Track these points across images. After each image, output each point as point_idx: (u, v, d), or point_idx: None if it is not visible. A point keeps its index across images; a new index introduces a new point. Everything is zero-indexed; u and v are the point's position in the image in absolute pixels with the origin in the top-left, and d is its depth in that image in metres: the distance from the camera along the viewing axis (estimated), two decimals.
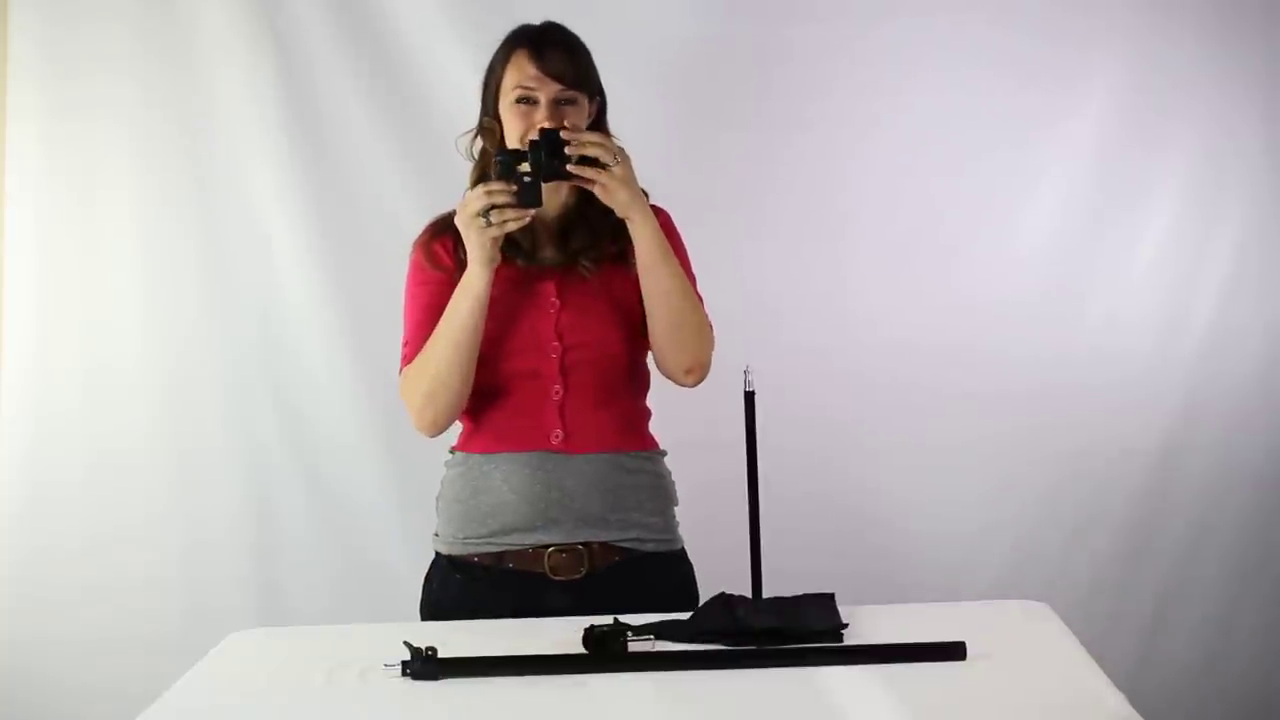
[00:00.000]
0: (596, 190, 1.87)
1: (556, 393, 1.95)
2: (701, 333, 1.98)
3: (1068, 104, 2.74)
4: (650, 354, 2.02)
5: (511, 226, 1.85)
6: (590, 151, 1.86)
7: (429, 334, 1.94)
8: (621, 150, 1.89)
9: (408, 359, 1.98)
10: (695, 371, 2.00)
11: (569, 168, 1.85)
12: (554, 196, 1.98)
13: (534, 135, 1.87)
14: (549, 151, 1.85)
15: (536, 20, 2.01)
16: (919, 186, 2.76)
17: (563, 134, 1.85)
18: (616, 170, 1.87)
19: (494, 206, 1.84)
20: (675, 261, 1.94)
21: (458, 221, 1.88)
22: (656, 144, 2.60)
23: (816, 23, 2.72)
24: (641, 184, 2.02)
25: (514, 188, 1.84)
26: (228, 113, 2.70)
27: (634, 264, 1.96)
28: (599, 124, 2.01)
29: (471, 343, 1.90)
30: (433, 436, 1.99)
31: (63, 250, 2.73)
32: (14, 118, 2.70)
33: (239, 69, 2.69)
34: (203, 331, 2.73)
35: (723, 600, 1.78)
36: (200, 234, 2.73)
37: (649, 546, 1.98)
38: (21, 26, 2.68)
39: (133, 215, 2.73)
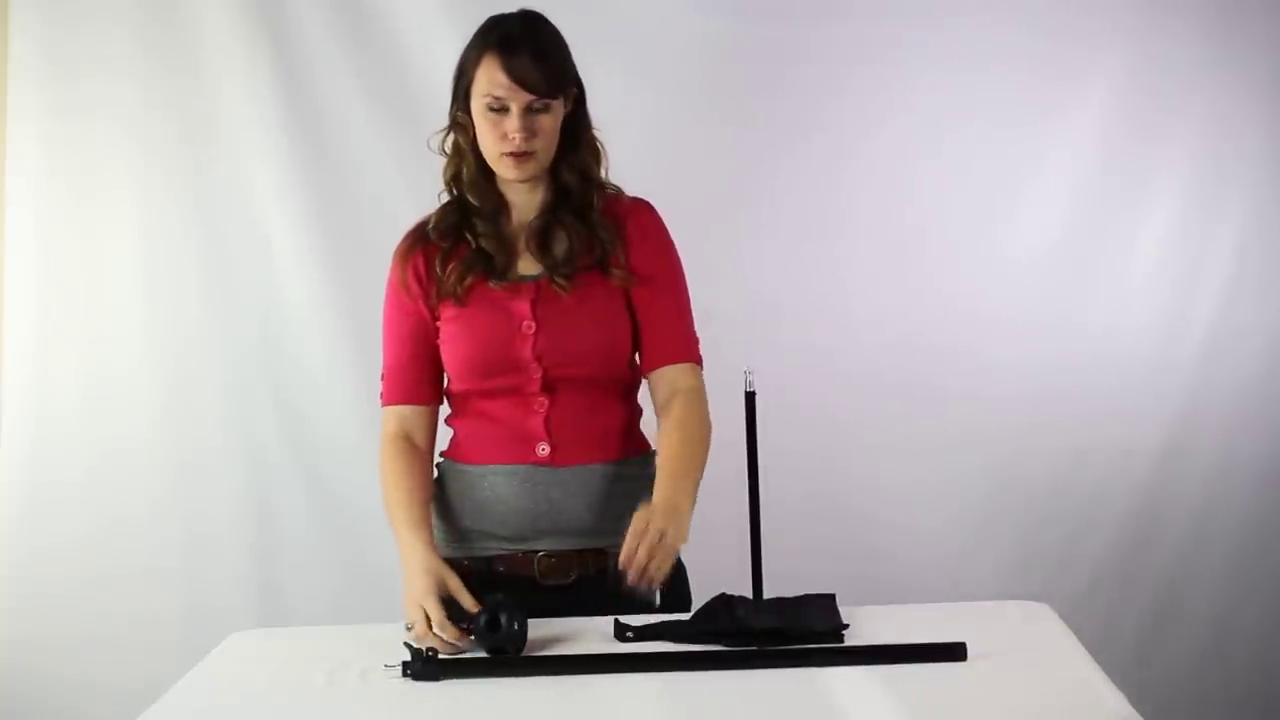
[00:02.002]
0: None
1: (541, 405, 1.92)
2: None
3: (1071, 104, 2.74)
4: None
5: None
6: (654, 564, 1.76)
7: (405, 372, 1.95)
8: (663, 523, 1.78)
9: (387, 395, 1.98)
10: None
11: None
12: (530, 199, 1.95)
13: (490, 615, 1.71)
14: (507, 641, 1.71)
15: (515, 9, 1.94)
16: (919, 187, 2.76)
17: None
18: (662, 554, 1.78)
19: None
20: (694, 474, 1.88)
21: (406, 599, 1.78)
22: (658, 142, 2.63)
23: (818, 23, 2.72)
24: (637, 183, 2.01)
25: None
26: (228, 113, 2.70)
27: (613, 273, 1.93)
28: (576, 115, 1.95)
29: None
30: None
31: (63, 250, 2.73)
32: (14, 118, 2.71)
33: (239, 69, 2.69)
34: (203, 332, 2.74)
35: (723, 600, 1.77)
36: (201, 234, 2.73)
37: None
38: (22, 27, 2.69)
39: (133, 216, 2.73)
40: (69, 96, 2.70)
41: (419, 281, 1.95)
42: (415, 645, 1.68)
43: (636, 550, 1.75)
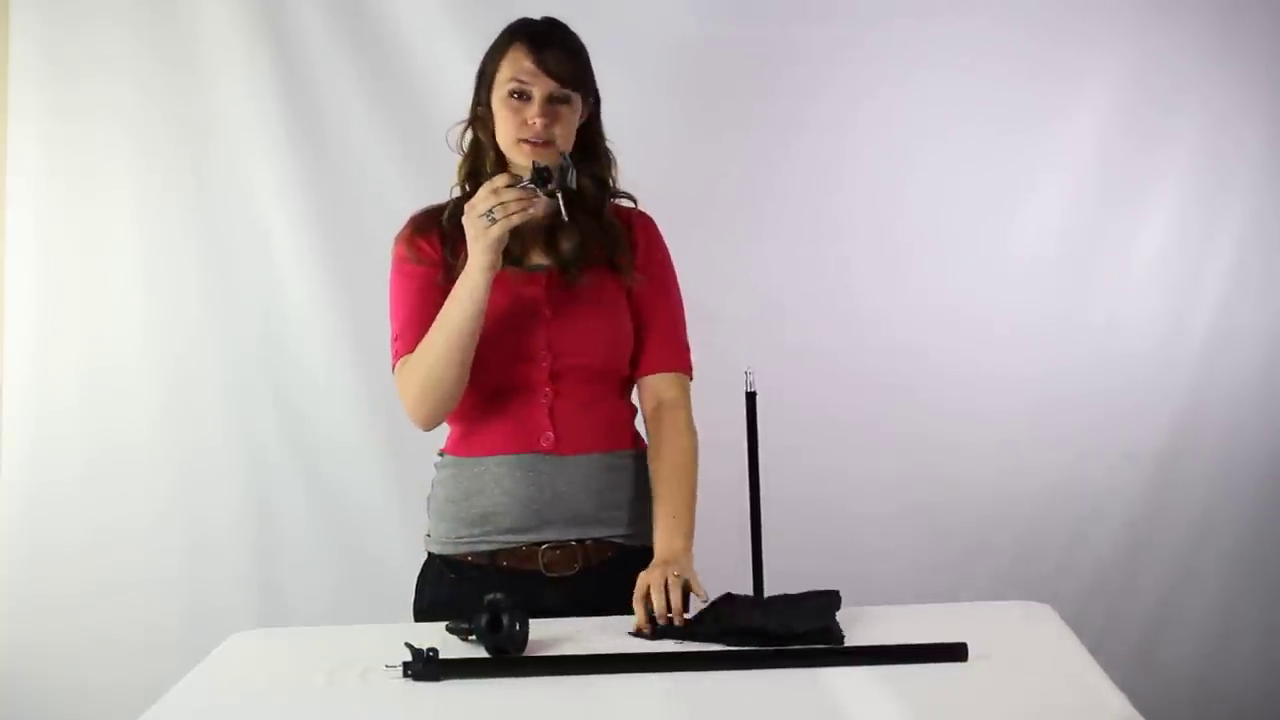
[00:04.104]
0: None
1: (546, 396, 1.95)
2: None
3: (1069, 104, 2.74)
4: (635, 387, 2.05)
5: (516, 220, 1.83)
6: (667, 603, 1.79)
7: (418, 325, 1.93)
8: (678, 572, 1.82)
9: (399, 353, 1.97)
10: None
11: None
12: (541, 196, 1.98)
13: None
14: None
15: (538, 16, 2.00)
16: (920, 187, 2.76)
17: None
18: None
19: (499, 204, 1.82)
20: (687, 511, 1.95)
21: (465, 223, 1.86)
22: (659, 144, 2.62)
23: (818, 23, 2.72)
24: (638, 186, 2.04)
25: (528, 187, 1.83)
26: (228, 113, 2.70)
27: (622, 271, 1.98)
28: (593, 125, 2.01)
29: (469, 344, 1.89)
30: (427, 430, 1.99)
31: (63, 250, 2.73)
32: (14, 118, 2.70)
33: (239, 69, 2.69)
34: (203, 332, 2.73)
35: (727, 599, 1.78)
36: (201, 234, 2.73)
37: (639, 542, 1.98)
38: (22, 26, 2.68)
39: (133, 215, 2.73)
40: (69, 96, 2.69)
41: (433, 250, 1.97)
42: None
43: (653, 600, 1.77)
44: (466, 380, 1.91)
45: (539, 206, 1.86)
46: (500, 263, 1.87)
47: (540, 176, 1.83)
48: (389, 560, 2.68)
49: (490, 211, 1.82)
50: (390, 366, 1.99)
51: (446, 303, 1.90)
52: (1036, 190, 2.77)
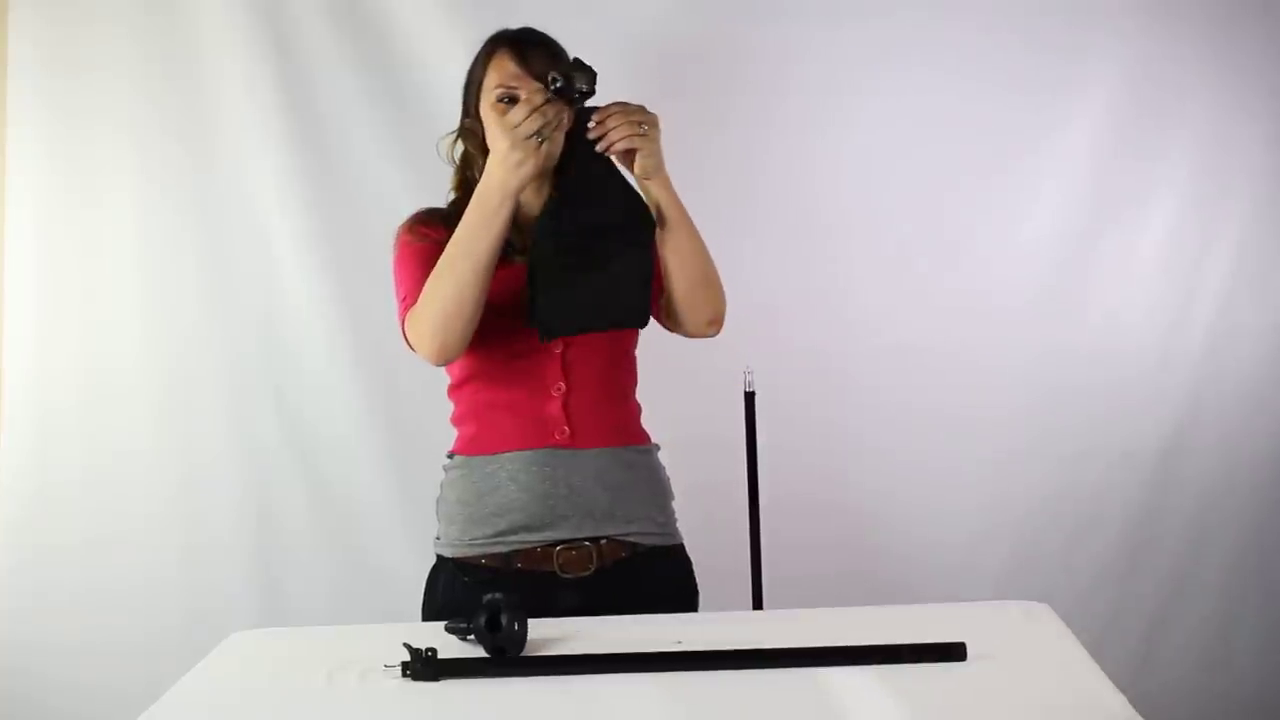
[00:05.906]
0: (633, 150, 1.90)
1: (559, 389, 1.96)
2: (719, 286, 2.01)
3: (1068, 104, 2.73)
4: (668, 314, 2.03)
5: (550, 132, 1.85)
6: (615, 131, 1.88)
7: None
8: (651, 116, 1.91)
9: (408, 308, 1.95)
10: (717, 323, 2.02)
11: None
12: (535, 199, 1.99)
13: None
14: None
15: (533, 21, 2.03)
16: (918, 187, 2.75)
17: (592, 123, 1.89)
18: (652, 133, 1.90)
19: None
20: (693, 223, 1.96)
21: (508, 145, 1.84)
22: None
23: (815, 21, 2.71)
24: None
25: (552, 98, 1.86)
26: (228, 113, 2.70)
27: None
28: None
29: (494, 257, 1.87)
30: (440, 364, 1.96)
31: (63, 250, 2.73)
32: (14, 119, 2.70)
33: (239, 69, 2.68)
34: (203, 332, 2.73)
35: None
36: (201, 234, 2.72)
37: (652, 541, 1.99)
38: (21, 27, 2.68)
39: (133, 216, 2.72)
40: (69, 97, 2.69)
41: (436, 233, 1.96)
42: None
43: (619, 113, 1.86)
44: (481, 309, 1.89)
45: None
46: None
47: (567, 84, 1.86)
48: (389, 560, 2.68)
49: (539, 131, 1.83)
50: (400, 330, 1.98)
51: (465, 219, 1.88)
52: (1035, 191, 2.76)
